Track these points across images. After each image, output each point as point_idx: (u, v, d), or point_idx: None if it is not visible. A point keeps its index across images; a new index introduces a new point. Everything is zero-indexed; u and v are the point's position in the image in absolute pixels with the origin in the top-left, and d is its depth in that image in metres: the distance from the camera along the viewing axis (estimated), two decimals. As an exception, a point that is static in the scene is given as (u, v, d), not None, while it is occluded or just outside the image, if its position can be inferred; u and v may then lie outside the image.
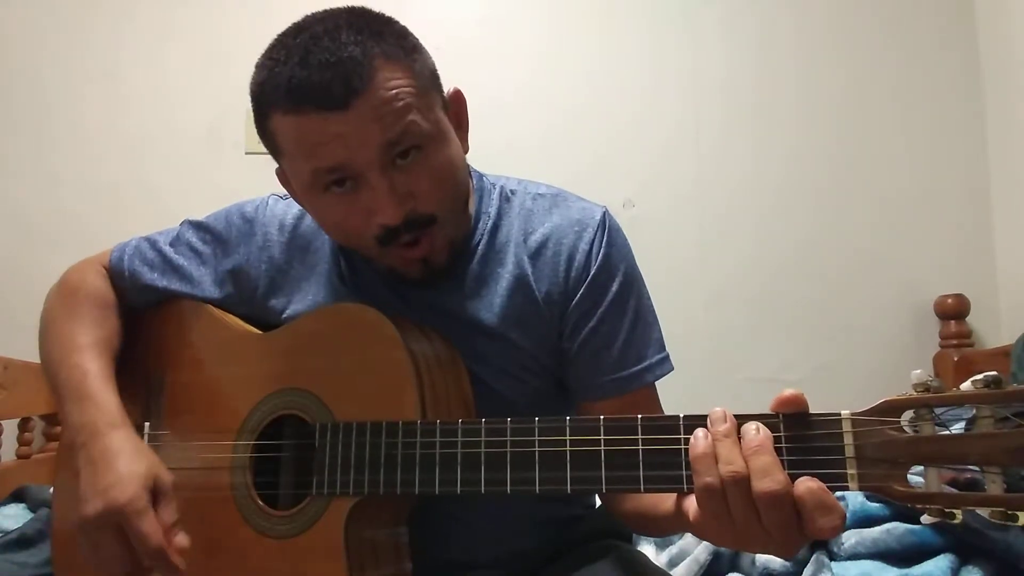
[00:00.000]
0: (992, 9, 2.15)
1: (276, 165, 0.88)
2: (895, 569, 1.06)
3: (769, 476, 0.57)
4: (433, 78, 0.81)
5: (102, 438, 0.78)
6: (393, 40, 0.77)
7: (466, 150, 0.87)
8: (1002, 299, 2.12)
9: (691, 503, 0.63)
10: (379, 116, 0.74)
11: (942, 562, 1.03)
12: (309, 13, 0.80)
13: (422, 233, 0.80)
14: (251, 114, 0.80)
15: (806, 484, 0.57)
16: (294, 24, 0.79)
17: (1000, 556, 1.03)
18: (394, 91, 0.74)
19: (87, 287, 0.96)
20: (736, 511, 0.58)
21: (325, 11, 0.79)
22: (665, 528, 0.85)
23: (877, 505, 1.14)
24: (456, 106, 0.86)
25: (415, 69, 0.78)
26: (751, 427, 0.61)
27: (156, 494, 0.76)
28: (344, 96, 0.72)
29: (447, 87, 0.85)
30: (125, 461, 0.76)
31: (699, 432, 0.62)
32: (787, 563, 1.10)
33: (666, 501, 0.74)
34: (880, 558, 1.09)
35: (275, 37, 0.79)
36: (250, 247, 0.95)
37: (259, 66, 0.78)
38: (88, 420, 0.80)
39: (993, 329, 2.11)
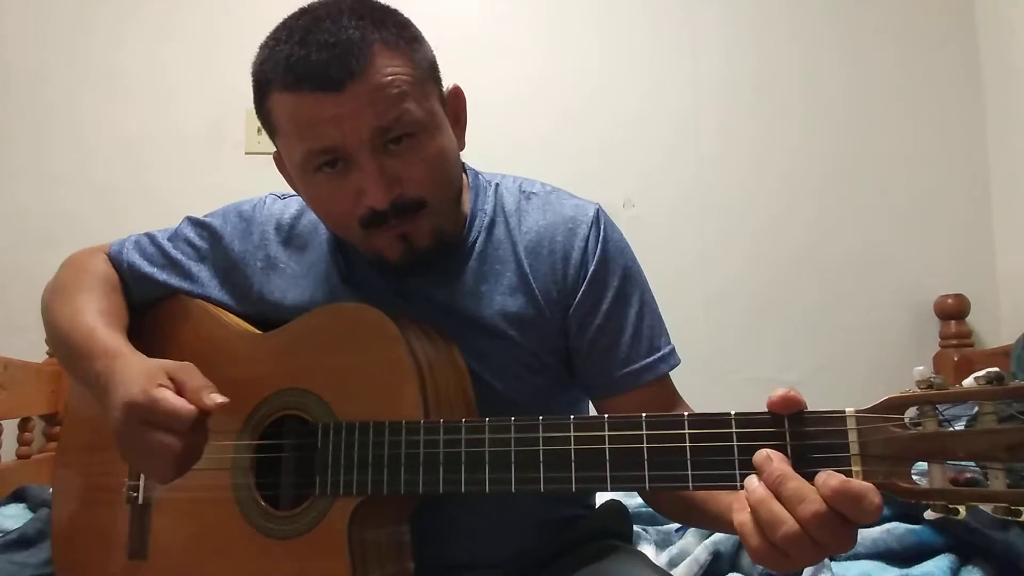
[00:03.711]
0: (992, 9, 2.15)
1: (275, 164, 0.88)
2: (895, 569, 1.05)
3: (805, 501, 0.57)
4: (432, 70, 0.82)
5: (112, 367, 0.78)
6: (394, 28, 0.78)
7: (462, 147, 0.88)
8: (1002, 299, 2.12)
9: (743, 538, 0.61)
10: (374, 101, 0.74)
11: (942, 562, 1.03)
12: None
13: (410, 218, 0.80)
14: (251, 114, 0.81)
15: (828, 486, 0.56)
16: (300, 8, 0.80)
17: (1000, 556, 1.03)
18: (390, 77, 0.75)
19: (93, 267, 0.96)
20: (792, 551, 0.58)
21: None
22: (716, 529, 0.89)
23: (877, 505, 1.14)
24: (455, 103, 0.86)
25: (414, 59, 0.78)
26: (762, 454, 0.60)
27: (175, 379, 0.75)
28: (340, 78, 0.73)
29: (446, 85, 0.85)
30: (133, 371, 0.76)
31: (744, 516, 0.60)
32: (787, 563, 1.10)
33: (716, 507, 0.75)
34: (880, 558, 1.08)
35: (281, 20, 0.80)
36: (247, 245, 0.95)
37: (262, 46, 0.80)
38: (101, 365, 0.80)
39: (993, 329, 2.11)
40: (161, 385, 0.73)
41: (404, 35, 0.79)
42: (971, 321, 2.08)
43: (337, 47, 0.73)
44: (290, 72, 0.74)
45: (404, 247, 0.82)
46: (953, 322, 2.07)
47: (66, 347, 0.88)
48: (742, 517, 0.60)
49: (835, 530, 0.56)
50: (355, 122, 0.74)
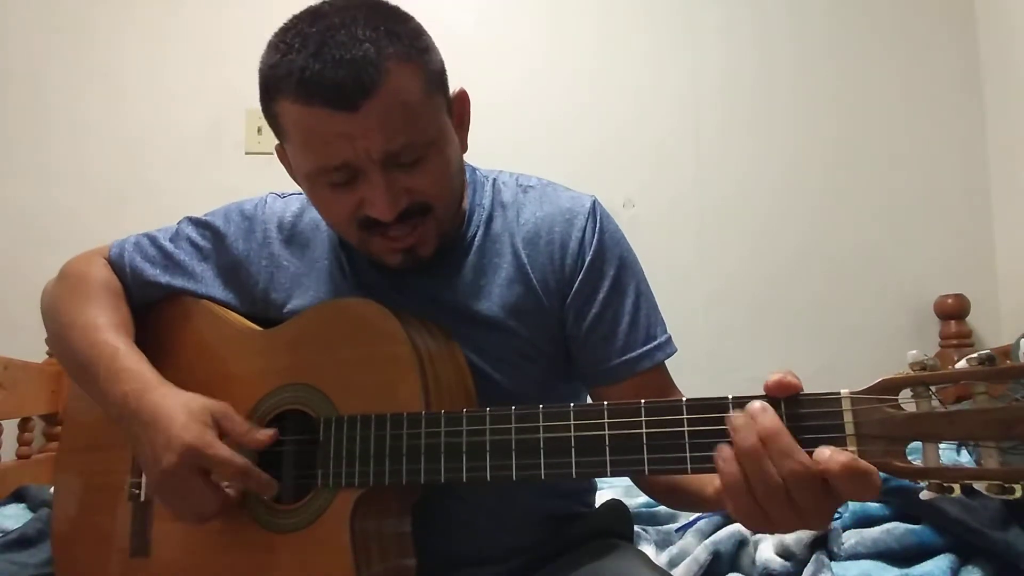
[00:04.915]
0: (992, 9, 2.15)
1: (276, 155, 0.88)
2: (895, 569, 1.05)
3: (791, 456, 0.58)
4: (441, 80, 0.82)
5: (148, 399, 0.80)
6: (408, 40, 0.77)
7: (464, 149, 0.88)
8: (1002, 299, 2.12)
9: (725, 491, 0.62)
10: (385, 123, 0.74)
11: (942, 562, 1.03)
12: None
13: (418, 222, 0.81)
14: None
15: (837, 461, 0.57)
16: (311, 8, 0.79)
17: (1000, 556, 1.03)
18: (402, 100, 0.75)
19: (95, 275, 0.95)
20: (771, 509, 0.59)
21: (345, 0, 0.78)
22: (701, 509, 0.92)
23: (877, 505, 1.14)
24: (460, 107, 0.87)
25: (425, 72, 0.78)
26: (756, 406, 0.61)
27: (218, 422, 0.79)
28: (353, 97, 0.73)
29: (450, 86, 0.85)
30: (179, 410, 0.78)
31: (724, 449, 0.62)
32: (787, 563, 1.10)
33: (702, 486, 0.76)
34: (880, 558, 1.08)
35: (291, 18, 0.79)
36: (250, 244, 0.95)
37: (272, 46, 0.78)
38: (129, 389, 0.82)
39: (993, 329, 2.11)
40: (212, 436, 0.77)
41: (417, 45, 0.78)
42: (971, 321, 2.08)
43: (352, 64, 0.73)
44: (303, 86, 0.74)
45: (405, 256, 0.83)
46: (953, 322, 2.07)
47: (82, 363, 0.87)
48: (730, 468, 0.61)
49: (816, 495, 0.58)
50: (366, 142, 0.75)
